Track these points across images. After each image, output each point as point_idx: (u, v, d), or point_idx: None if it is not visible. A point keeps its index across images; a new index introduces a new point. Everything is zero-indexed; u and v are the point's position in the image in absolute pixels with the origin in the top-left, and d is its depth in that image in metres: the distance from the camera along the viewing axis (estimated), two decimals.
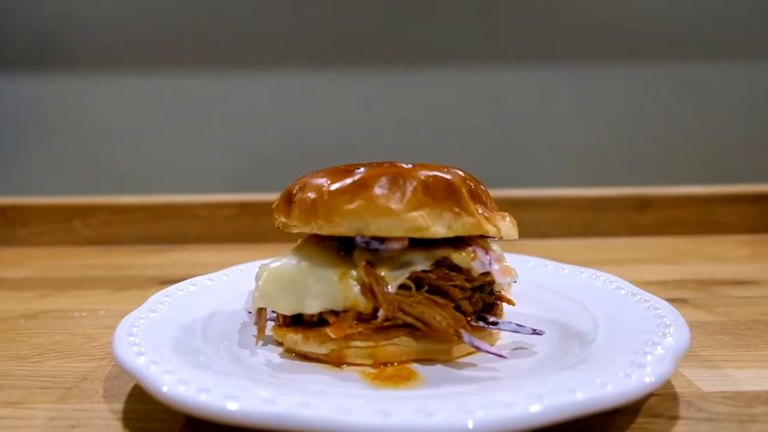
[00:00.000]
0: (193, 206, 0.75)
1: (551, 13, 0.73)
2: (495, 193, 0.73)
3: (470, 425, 0.22)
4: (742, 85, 0.75)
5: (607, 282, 0.40)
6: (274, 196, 0.71)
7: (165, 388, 0.25)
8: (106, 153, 0.77)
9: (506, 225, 0.33)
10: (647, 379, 0.26)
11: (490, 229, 0.31)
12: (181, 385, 0.25)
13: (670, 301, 0.45)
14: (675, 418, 0.28)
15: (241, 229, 0.74)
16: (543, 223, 0.74)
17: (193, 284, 0.41)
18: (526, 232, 0.72)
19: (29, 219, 0.74)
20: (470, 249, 0.31)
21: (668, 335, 0.30)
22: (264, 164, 0.77)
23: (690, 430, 0.27)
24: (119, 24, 0.74)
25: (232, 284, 0.43)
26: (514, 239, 0.34)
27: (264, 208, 0.74)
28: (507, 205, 0.71)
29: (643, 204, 0.74)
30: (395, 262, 0.31)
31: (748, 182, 0.76)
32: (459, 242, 0.32)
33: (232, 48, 0.74)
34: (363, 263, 0.31)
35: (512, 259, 0.46)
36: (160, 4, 0.73)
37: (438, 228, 0.30)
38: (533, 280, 0.43)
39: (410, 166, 0.32)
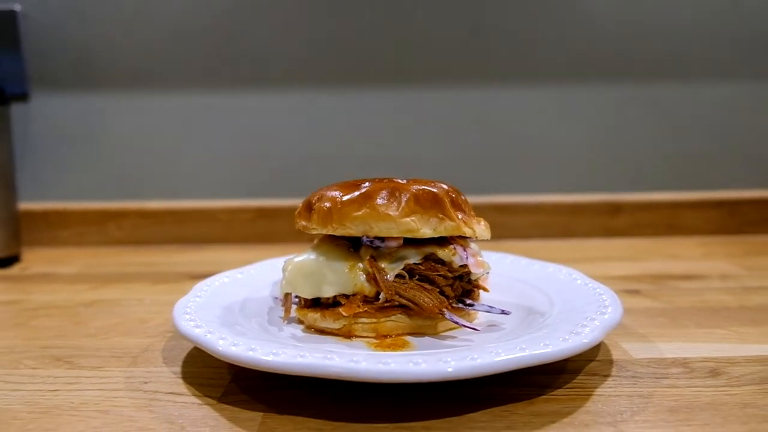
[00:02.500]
0: (215, 211, 0.80)
1: (532, 39, 0.79)
2: (483, 199, 0.82)
3: (449, 369, 0.31)
4: (704, 104, 0.81)
5: (568, 275, 0.48)
6: (286, 202, 0.80)
7: (221, 348, 0.33)
8: (137, 163, 0.82)
9: (480, 227, 0.41)
10: (584, 340, 0.34)
11: (467, 231, 0.40)
12: (232, 346, 0.33)
13: (626, 292, 0.55)
14: (607, 376, 0.37)
15: (257, 230, 0.80)
16: (526, 226, 0.80)
17: (227, 277, 0.50)
18: (512, 233, 0.81)
19: (69, 222, 0.80)
20: (452, 246, 0.40)
21: (606, 313, 0.38)
22: (277, 174, 0.82)
23: (616, 384, 0.36)
24: (148, 49, 0.80)
25: (258, 277, 0.51)
26: (487, 239, 0.42)
27: (277, 213, 0.81)
28: (494, 210, 0.80)
29: (616, 209, 0.80)
30: (393, 256, 0.39)
31: (709, 189, 0.81)
32: (443, 241, 0.40)
33: (249, 69, 0.80)
34: (368, 257, 0.39)
35: (492, 257, 0.54)
36: (184, 31, 0.79)
37: (426, 230, 0.39)
38: (509, 273, 0.51)
39: (405, 181, 0.41)
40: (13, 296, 0.57)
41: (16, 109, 0.80)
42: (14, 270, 0.68)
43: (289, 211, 0.78)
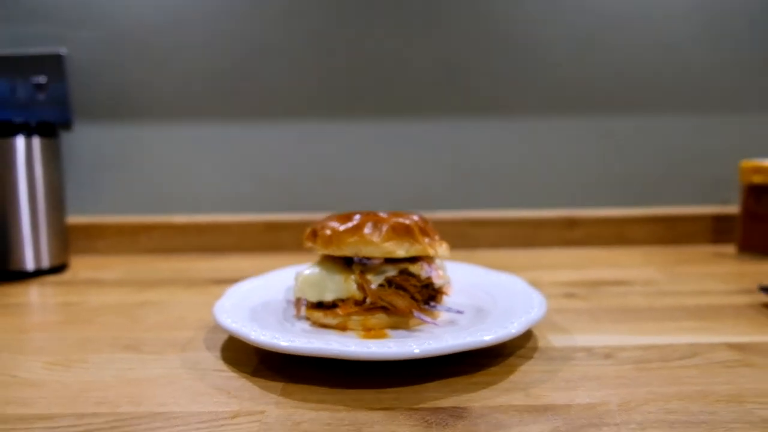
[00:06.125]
0: (230, 224, 0.92)
1: (500, 78, 0.92)
2: (459, 214, 0.95)
3: (415, 350, 0.44)
4: (648, 133, 0.93)
5: (513, 282, 0.62)
6: (291, 216, 0.93)
7: (253, 336, 0.47)
8: (164, 183, 0.93)
9: (442, 249, 0.55)
10: (511, 332, 0.48)
11: (431, 252, 0.53)
12: (261, 336, 0.47)
13: (565, 295, 0.68)
14: (530, 358, 0.50)
15: (266, 241, 0.92)
16: (495, 237, 0.93)
17: (250, 283, 0.63)
18: (483, 244, 0.95)
19: (105, 234, 0.92)
20: (420, 263, 0.54)
21: (531, 313, 0.52)
22: (284, 192, 0.94)
23: (535, 363, 0.49)
24: (175, 85, 0.91)
25: (274, 284, 0.64)
26: (448, 258, 0.56)
27: (284, 226, 0.94)
28: (468, 224, 0.94)
29: (572, 223, 0.93)
30: (376, 270, 0.53)
31: (652, 206, 0.94)
32: (414, 259, 0.54)
33: (260, 103, 0.92)
34: (358, 271, 0.53)
35: (458, 267, 0.68)
36: (206, 71, 0.91)
37: (400, 252, 0.52)
38: (469, 280, 0.65)
39: (386, 215, 0.55)
40: (74, 298, 0.71)
41: (61, 137, 0.93)
42: (66, 276, 0.82)
43: (293, 225, 0.92)
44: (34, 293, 0.72)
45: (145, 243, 0.93)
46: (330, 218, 0.56)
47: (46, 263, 0.81)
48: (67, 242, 0.86)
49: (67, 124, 0.93)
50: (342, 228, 0.53)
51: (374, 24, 0.92)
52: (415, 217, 0.55)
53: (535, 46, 0.92)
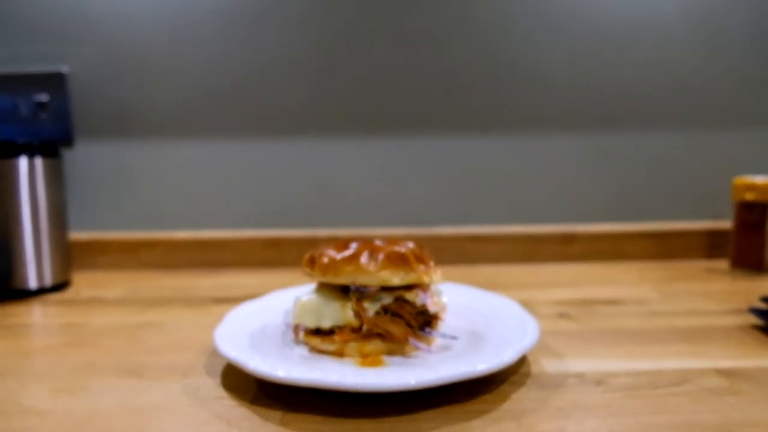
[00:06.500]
0: (231, 240, 0.93)
1: (499, 97, 0.93)
2: (460, 229, 0.96)
3: (411, 381, 0.45)
4: (643, 150, 0.94)
5: (508, 306, 0.63)
6: (291, 233, 0.94)
7: (251, 367, 0.48)
8: (165, 200, 0.95)
9: (437, 276, 0.56)
10: (504, 360, 0.49)
11: (426, 279, 0.55)
12: (261, 365, 0.48)
13: (559, 315, 0.69)
14: (523, 384, 0.51)
15: (266, 257, 0.94)
16: (493, 253, 0.94)
17: (250, 306, 0.64)
18: (483, 259, 0.96)
19: (107, 250, 0.94)
20: (415, 290, 0.55)
21: (524, 340, 0.53)
22: (284, 209, 0.95)
23: (527, 390, 0.50)
24: (174, 103, 0.92)
25: (273, 306, 0.66)
26: (443, 283, 0.57)
27: (283, 242, 0.95)
28: (468, 239, 0.95)
29: (570, 238, 0.95)
30: (372, 297, 0.54)
31: (647, 221, 0.96)
32: (409, 287, 0.55)
33: (259, 121, 0.93)
34: (355, 299, 0.54)
35: (453, 288, 0.70)
36: (205, 89, 0.92)
37: (396, 280, 0.54)
38: (466, 302, 0.66)
39: (382, 243, 0.56)
40: (76, 319, 0.72)
41: (63, 154, 0.95)
42: (69, 294, 0.83)
43: (292, 241, 0.94)
44: (37, 313, 0.74)
45: (147, 259, 0.95)
46: (328, 247, 0.57)
47: (48, 281, 0.82)
48: (70, 259, 0.87)
49: (68, 141, 0.94)
50: (339, 257, 0.54)
51: (374, 43, 0.93)
52: (411, 245, 0.57)
53: (532, 64, 0.94)
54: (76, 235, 0.95)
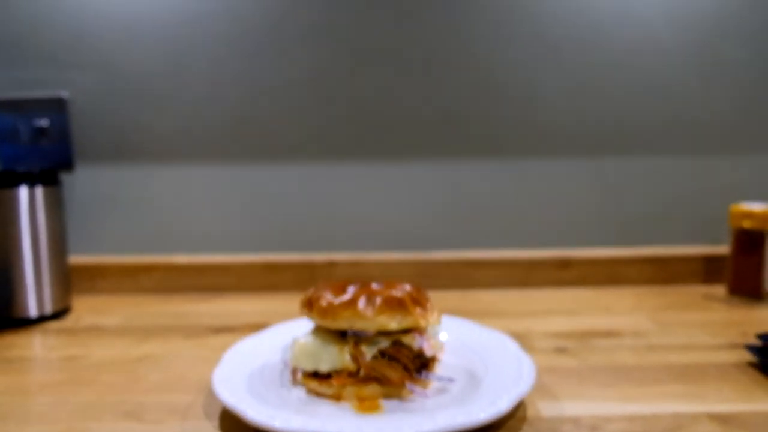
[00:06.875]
0: (230, 265, 0.94)
1: (496, 123, 0.94)
2: (456, 254, 0.95)
3: None
4: (639, 174, 0.95)
5: (503, 342, 0.64)
6: (289, 257, 0.95)
7: (249, 416, 0.49)
8: (164, 223, 0.95)
9: (434, 318, 0.57)
10: (500, 409, 0.49)
11: (422, 323, 0.55)
12: (258, 414, 0.49)
13: (556, 350, 0.70)
14: (519, 430, 0.52)
15: (264, 282, 0.94)
16: (490, 277, 0.95)
17: (248, 344, 0.65)
18: (478, 284, 0.96)
19: (107, 274, 0.94)
20: (412, 334, 0.55)
21: (521, 384, 0.54)
22: (283, 233, 0.96)
23: None
24: (173, 128, 0.93)
25: (271, 343, 0.66)
26: (439, 325, 0.58)
27: (281, 267, 0.95)
28: (464, 265, 0.95)
29: (566, 263, 0.95)
30: (370, 342, 0.55)
31: (645, 245, 0.97)
32: (406, 330, 0.56)
33: (258, 146, 0.93)
34: (352, 343, 0.55)
35: (450, 323, 0.70)
36: (204, 113, 0.93)
37: (393, 324, 0.54)
38: (461, 338, 0.67)
39: (379, 287, 0.56)
40: (76, 351, 0.72)
41: (63, 178, 0.95)
42: (69, 321, 0.83)
43: (291, 266, 0.94)
44: (37, 344, 0.74)
45: (146, 283, 0.95)
46: (325, 287, 0.57)
47: (49, 309, 0.82)
48: (70, 285, 0.87)
49: (69, 165, 0.94)
50: (337, 301, 0.54)
51: (371, 69, 0.93)
52: (408, 287, 0.57)
53: (528, 89, 0.94)
54: (76, 258, 0.95)
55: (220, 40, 0.93)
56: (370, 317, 0.53)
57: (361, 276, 0.95)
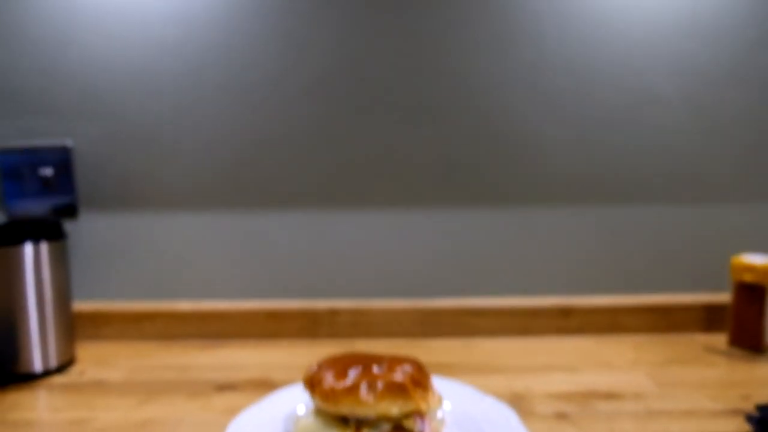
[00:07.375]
0: (232, 313, 0.94)
1: (497, 172, 0.95)
2: (458, 302, 0.96)
3: None
4: (640, 223, 0.95)
5: (504, 416, 0.64)
6: (292, 304, 0.95)
7: None
8: (168, 271, 0.96)
9: (434, 401, 0.57)
10: None
11: (424, 407, 0.56)
12: None
13: (557, 416, 0.70)
14: None
15: (266, 329, 0.95)
16: (491, 325, 0.95)
17: (250, 415, 0.65)
18: (479, 332, 0.97)
19: (111, 320, 0.94)
20: (413, 418, 0.56)
21: None
22: (283, 281, 0.97)
23: None
24: (176, 176, 0.94)
25: (273, 413, 0.66)
26: (439, 408, 0.58)
27: (284, 315, 0.95)
28: (466, 313, 0.95)
29: (567, 312, 0.95)
30: (372, 425, 0.55)
31: (646, 293, 0.97)
32: (408, 413, 0.56)
33: (260, 194, 0.94)
34: (353, 427, 0.55)
35: (451, 388, 0.71)
36: (207, 162, 0.94)
37: (394, 410, 0.54)
38: (462, 408, 0.67)
39: (380, 371, 0.56)
40: (81, 413, 0.72)
41: (67, 226, 0.96)
42: (73, 375, 0.83)
43: (293, 313, 0.95)
44: (41, 406, 0.74)
45: (149, 330, 0.96)
46: (327, 366, 0.58)
47: (53, 363, 0.83)
48: (74, 335, 0.88)
49: (73, 213, 0.95)
50: (339, 386, 0.55)
51: (374, 119, 0.94)
52: (409, 368, 0.58)
53: (529, 138, 0.94)
54: (80, 305, 0.96)
55: (222, 91, 0.93)
56: (371, 404, 0.54)
57: (364, 324, 0.95)
